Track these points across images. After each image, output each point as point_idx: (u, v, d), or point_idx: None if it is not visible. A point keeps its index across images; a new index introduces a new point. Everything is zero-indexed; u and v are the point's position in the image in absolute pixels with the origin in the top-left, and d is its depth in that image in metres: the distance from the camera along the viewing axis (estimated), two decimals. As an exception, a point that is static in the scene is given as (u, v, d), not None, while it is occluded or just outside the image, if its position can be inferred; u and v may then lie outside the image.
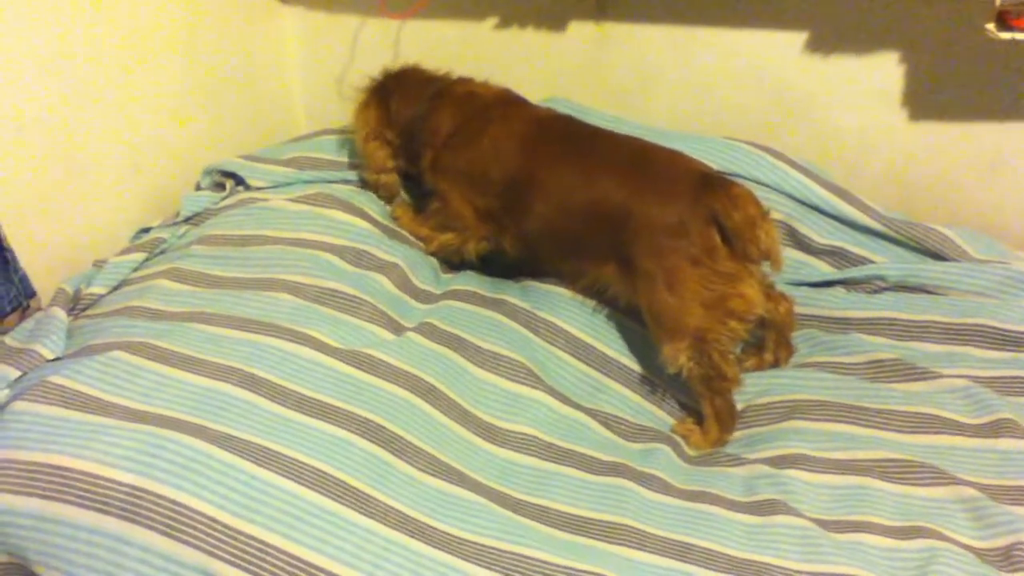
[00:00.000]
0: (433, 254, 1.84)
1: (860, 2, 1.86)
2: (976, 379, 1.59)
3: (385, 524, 1.25)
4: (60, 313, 1.56)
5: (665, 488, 1.45)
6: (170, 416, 1.31)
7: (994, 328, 1.66)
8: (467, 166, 1.74)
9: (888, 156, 1.98)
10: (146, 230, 1.83)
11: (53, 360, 1.45)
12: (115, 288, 1.66)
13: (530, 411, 1.54)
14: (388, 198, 1.91)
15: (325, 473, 1.27)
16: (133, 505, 1.20)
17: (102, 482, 1.22)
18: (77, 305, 1.63)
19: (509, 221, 1.73)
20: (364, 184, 1.91)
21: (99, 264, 1.73)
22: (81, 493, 1.21)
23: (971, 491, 1.39)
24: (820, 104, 1.97)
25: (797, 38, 1.93)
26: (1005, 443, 1.47)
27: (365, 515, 1.24)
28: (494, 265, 1.85)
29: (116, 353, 1.41)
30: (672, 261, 1.52)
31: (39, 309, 1.65)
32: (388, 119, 1.83)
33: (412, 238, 1.84)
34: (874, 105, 1.93)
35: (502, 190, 1.71)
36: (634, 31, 2.05)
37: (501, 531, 1.30)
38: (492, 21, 2.15)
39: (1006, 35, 1.58)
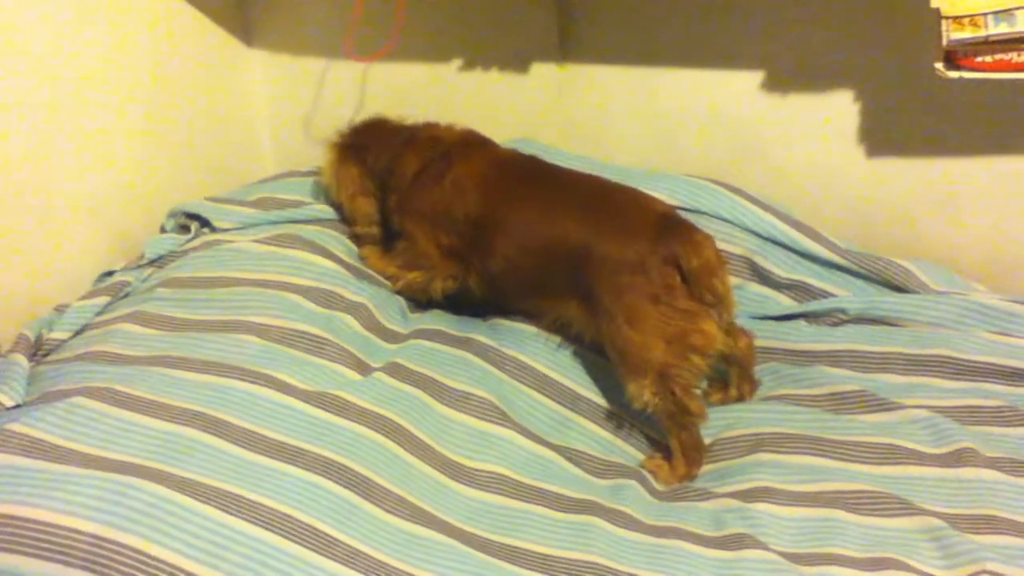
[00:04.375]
0: (399, 292, 1.84)
1: (815, 42, 1.90)
2: (937, 409, 1.61)
3: (352, 568, 1.23)
4: (21, 359, 1.54)
5: (634, 524, 1.44)
6: (133, 462, 1.28)
7: (954, 358, 1.69)
8: (431, 206, 1.76)
9: (845, 192, 2.01)
10: (109, 273, 1.82)
11: (13, 408, 1.43)
12: (77, 332, 1.64)
13: (498, 449, 1.53)
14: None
15: (291, 517, 1.26)
16: (96, 555, 1.17)
17: (64, 532, 1.19)
18: (39, 351, 1.61)
19: (473, 259, 1.75)
20: (334, 224, 1.91)
21: (61, 308, 1.71)
22: (42, 544, 1.18)
23: (935, 521, 1.40)
24: (778, 142, 2.01)
25: (754, 78, 1.96)
26: (967, 472, 1.49)
27: (332, 559, 1.23)
28: (462, 305, 1.86)
29: (77, 399, 1.39)
30: (633, 298, 1.54)
31: (-1, 355, 1.63)
32: (368, 172, 1.86)
33: (379, 278, 1.84)
34: (830, 142, 1.97)
35: (465, 229, 1.73)
36: (596, 72, 2.09)
37: (470, 572, 1.29)
38: (457, 63, 2.18)
39: (954, 74, 1.62)
